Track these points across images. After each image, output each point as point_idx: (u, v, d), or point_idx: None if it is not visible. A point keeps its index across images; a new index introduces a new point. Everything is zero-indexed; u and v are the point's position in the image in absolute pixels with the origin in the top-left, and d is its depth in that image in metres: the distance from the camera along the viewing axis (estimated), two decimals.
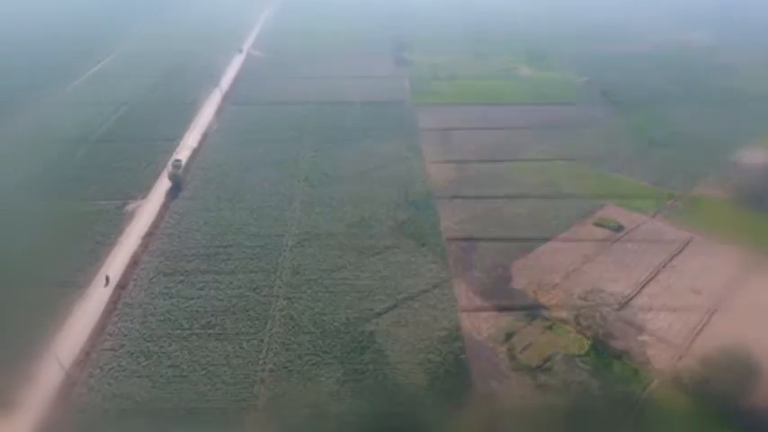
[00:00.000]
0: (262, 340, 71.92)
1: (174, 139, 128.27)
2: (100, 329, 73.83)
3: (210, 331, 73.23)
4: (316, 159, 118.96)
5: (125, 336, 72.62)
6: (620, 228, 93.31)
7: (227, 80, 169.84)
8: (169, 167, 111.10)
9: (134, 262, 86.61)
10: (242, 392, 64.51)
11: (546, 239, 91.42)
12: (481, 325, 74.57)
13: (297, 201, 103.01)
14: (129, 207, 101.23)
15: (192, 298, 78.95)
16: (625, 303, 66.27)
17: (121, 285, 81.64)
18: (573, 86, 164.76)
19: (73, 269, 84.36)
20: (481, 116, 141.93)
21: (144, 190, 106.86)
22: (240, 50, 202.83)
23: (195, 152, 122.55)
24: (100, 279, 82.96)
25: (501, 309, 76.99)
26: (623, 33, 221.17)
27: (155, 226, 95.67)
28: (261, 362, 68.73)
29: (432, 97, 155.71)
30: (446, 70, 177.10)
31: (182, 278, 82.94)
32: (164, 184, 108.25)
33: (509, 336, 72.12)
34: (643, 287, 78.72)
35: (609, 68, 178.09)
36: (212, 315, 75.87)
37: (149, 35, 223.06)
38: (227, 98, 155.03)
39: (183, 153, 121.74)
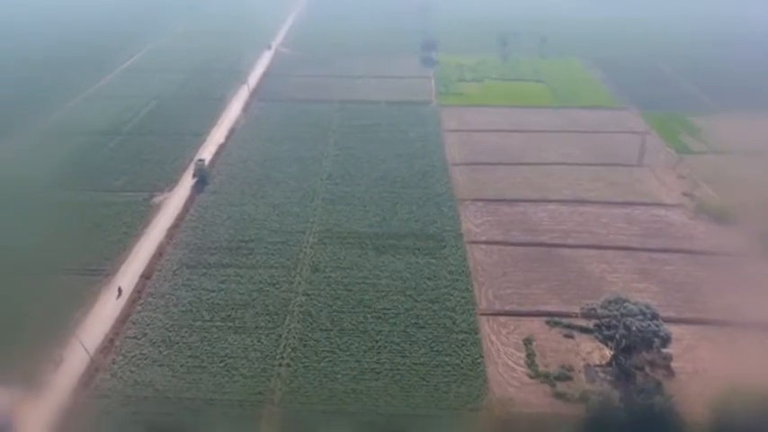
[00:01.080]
0: (280, 335, 72.62)
1: (202, 134, 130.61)
2: (124, 318, 75.69)
3: (230, 324, 74.32)
4: (339, 158, 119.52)
5: (148, 325, 74.29)
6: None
7: (254, 77, 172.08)
8: (195, 167, 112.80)
9: (159, 253, 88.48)
10: (259, 386, 65.25)
11: (569, 245, 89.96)
12: (500, 329, 73.84)
13: (319, 198, 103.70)
14: (156, 199, 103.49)
15: (214, 290, 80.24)
16: (651, 315, 64.56)
17: (146, 275, 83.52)
18: (600, 89, 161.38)
19: (101, 258, 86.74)
20: (507, 118, 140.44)
21: (171, 183, 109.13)
22: (269, 47, 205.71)
23: (221, 147, 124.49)
24: (126, 268, 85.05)
25: (521, 314, 76.08)
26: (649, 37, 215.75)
27: (180, 218, 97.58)
28: (278, 356, 69.39)
29: (457, 98, 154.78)
30: (473, 71, 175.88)
31: (204, 271, 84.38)
32: (190, 178, 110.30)
33: (528, 341, 71.19)
34: (668, 297, 77.12)
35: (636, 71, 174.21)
36: (232, 308, 76.98)
37: (181, 31, 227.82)
38: (254, 94, 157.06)
39: (209, 148, 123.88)
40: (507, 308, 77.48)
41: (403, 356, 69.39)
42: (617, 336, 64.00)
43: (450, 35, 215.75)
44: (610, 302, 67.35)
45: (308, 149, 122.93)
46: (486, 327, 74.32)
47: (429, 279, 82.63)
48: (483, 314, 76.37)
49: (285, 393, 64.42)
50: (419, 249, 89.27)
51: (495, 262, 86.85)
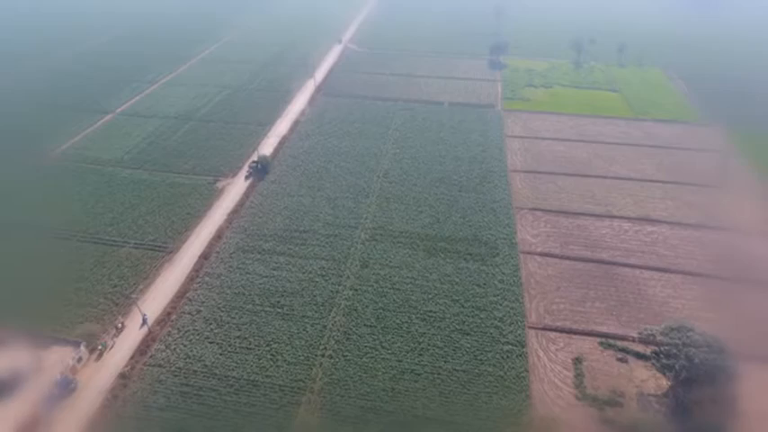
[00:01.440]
0: (325, 326, 73.67)
1: (267, 125, 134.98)
2: (182, 294, 79.64)
3: (279, 310, 76.28)
4: (397, 156, 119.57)
5: (202, 303, 77.73)
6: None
7: (321, 72, 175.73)
8: (257, 154, 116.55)
9: (218, 235, 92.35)
10: (301, 373, 66.55)
11: (631, 265, 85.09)
12: (549, 345, 71.04)
13: (374, 195, 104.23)
14: (220, 184, 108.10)
15: (266, 276, 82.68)
16: (717, 348, 59.56)
17: (204, 256, 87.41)
18: (682, 102, 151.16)
19: (166, 235, 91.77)
20: (575, 127, 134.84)
21: (234, 169, 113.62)
22: (339, 41, 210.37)
23: (284, 139, 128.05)
24: (187, 247, 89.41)
25: (573, 332, 72.82)
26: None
27: (240, 204, 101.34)
28: (322, 347, 70.45)
29: (523, 104, 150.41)
30: (542, 77, 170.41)
31: (258, 256, 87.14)
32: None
33: (578, 361, 68.00)
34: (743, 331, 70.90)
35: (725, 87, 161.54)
36: (282, 295, 78.97)
37: (255, 25, 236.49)
38: (319, 89, 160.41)
39: (272, 139, 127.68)
40: (558, 324, 74.40)
41: (445, 361, 68.37)
42: (677, 366, 59.87)
43: (522, 39, 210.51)
44: (672, 330, 63.19)
45: (367, 146, 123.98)
46: (534, 341, 71.78)
47: (478, 286, 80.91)
48: (532, 327, 73.80)
49: (325, 384, 65.29)
50: (470, 255, 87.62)
51: (550, 275, 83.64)
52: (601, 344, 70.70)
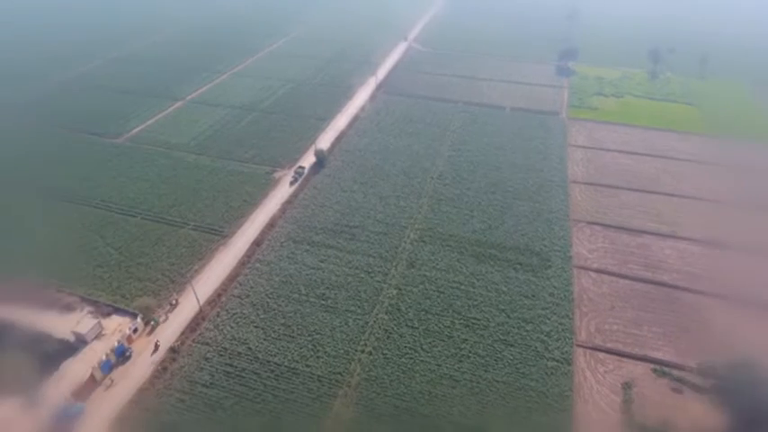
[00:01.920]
0: (366, 323, 73.94)
1: (326, 119, 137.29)
2: (233, 277, 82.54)
3: (323, 302, 77.36)
4: (453, 159, 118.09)
5: (251, 288, 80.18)
6: None
7: (383, 70, 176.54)
8: (315, 149, 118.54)
9: (271, 224, 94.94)
10: (340, 366, 67.16)
11: (695, 290, 79.55)
12: (598, 366, 67.72)
13: (426, 196, 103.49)
14: (277, 174, 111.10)
15: (313, 267, 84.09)
16: None
17: (257, 243, 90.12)
18: (765, 123, 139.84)
19: (222, 220, 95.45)
20: (644, 141, 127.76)
21: (292, 161, 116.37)
22: (405, 38, 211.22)
23: (342, 134, 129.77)
24: (241, 233, 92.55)
25: (624, 355, 69.03)
26: None
27: (294, 195, 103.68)
28: (362, 342, 70.77)
29: (590, 113, 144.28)
30: (613, 86, 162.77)
31: (308, 247, 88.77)
32: (309, 159, 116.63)
33: (628, 386, 64.36)
34: None
35: None
36: (327, 287, 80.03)
37: (322, 22, 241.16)
38: (380, 87, 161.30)
39: (330, 133, 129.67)
40: (609, 345, 70.77)
41: (485, 370, 66.78)
42: (738, 404, 55.24)
43: (594, 45, 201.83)
44: (737, 365, 58.37)
45: (423, 146, 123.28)
46: (582, 360, 68.67)
47: (526, 297, 78.43)
48: (580, 346, 70.66)
49: (363, 379, 65.53)
50: (521, 265, 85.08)
51: (604, 293, 79.72)
52: (654, 371, 66.60)
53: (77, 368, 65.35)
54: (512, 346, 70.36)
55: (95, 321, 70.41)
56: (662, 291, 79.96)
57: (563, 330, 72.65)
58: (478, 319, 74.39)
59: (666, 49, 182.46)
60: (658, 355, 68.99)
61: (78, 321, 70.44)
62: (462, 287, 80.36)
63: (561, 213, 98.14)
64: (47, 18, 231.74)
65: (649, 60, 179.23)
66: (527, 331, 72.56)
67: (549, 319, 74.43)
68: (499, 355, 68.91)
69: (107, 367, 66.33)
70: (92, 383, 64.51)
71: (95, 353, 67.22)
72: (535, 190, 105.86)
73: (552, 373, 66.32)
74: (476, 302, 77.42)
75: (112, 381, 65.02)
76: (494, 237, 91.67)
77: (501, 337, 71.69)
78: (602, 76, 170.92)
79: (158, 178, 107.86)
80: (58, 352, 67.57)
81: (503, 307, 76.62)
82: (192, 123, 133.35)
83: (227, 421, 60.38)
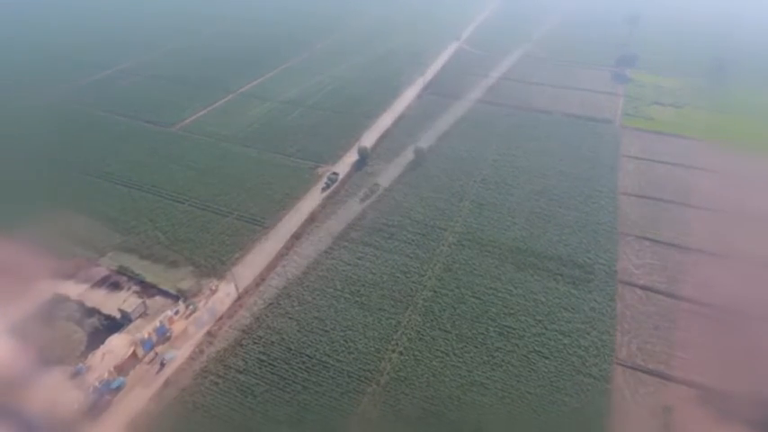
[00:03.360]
0: (399, 322, 73.62)
1: (372, 117, 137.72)
2: (271, 268, 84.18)
3: (357, 299, 77.63)
4: (498, 163, 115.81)
5: (288, 280, 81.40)
6: None
7: (432, 70, 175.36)
8: (358, 146, 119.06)
9: (311, 218, 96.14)
10: (370, 364, 67.20)
11: (751, 315, 74.55)
12: (638, 387, 64.66)
13: (468, 200, 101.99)
14: (320, 170, 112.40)
15: (350, 264, 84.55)
16: None
17: (296, 236, 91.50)
18: None
19: (265, 211, 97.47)
20: (703, 154, 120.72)
21: (335, 157, 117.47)
22: (457, 38, 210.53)
23: (386, 132, 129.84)
24: (283, 225, 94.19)
25: (667, 377, 65.60)
26: None
27: (335, 191, 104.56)
28: (394, 342, 70.52)
29: (646, 122, 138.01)
30: (672, 95, 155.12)
31: (346, 244, 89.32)
32: (352, 156, 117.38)
33: (668, 411, 61.11)
34: None
35: None
36: (363, 285, 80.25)
37: (375, 19, 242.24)
38: (428, 87, 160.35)
39: (375, 132, 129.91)
40: (651, 366, 67.46)
41: (518, 381, 65.10)
42: None
43: (654, 52, 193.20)
44: None
45: (467, 149, 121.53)
46: (621, 379, 65.76)
47: (566, 310, 75.87)
48: (620, 364, 67.71)
49: (392, 379, 65.30)
50: (562, 276, 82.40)
51: (649, 312, 76.04)
52: (699, 397, 62.93)
53: (121, 344, 68.37)
54: (547, 358, 68.28)
55: (140, 301, 73.54)
56: (712, 313, 75.44)
57: (603, 347, 69.83)
58: (514, 328, 72.62)
59: (731, 59, 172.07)
60: (704, 380, 65.19)
61: (124, 300, 73.82)
62: (499, 294, 78.68)
63: (608, 225, 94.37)
64: (117, 3, 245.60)
65: (712, 70, 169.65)
66: (564, 344, 70.20)
67: (588, 334, 71.72)
68: (533, 367, 67.02)
69: (149, 345, 69.21)
70: (133, 359, 67.43)
71: (139, 331, 70.13)
72: (582, 200, 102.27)
73: (589, 390, 63.88)
74: (512, 311, 75.61)
75: (157, 354, 67.70)
76: (535, 245, 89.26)
77: (536, 348, 69.70)
78: (661, 85, 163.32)
79: (206, 167, 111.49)
80: (104, 327, 71.07)
81: (540, 317, 74.47)
82: (241, 116, 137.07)
83: (257, 407, 61.61)
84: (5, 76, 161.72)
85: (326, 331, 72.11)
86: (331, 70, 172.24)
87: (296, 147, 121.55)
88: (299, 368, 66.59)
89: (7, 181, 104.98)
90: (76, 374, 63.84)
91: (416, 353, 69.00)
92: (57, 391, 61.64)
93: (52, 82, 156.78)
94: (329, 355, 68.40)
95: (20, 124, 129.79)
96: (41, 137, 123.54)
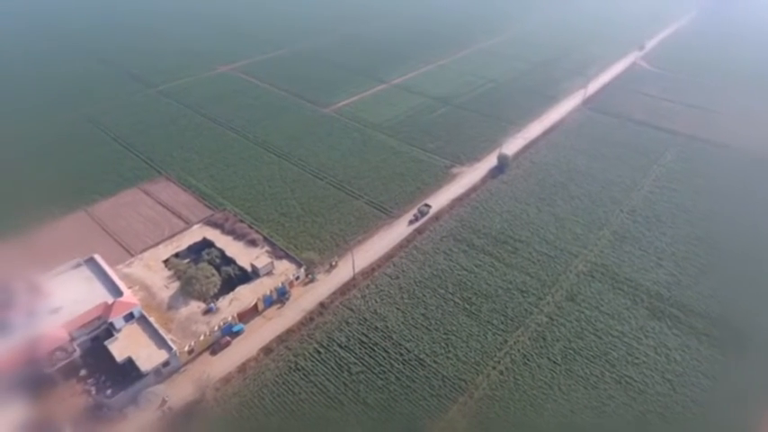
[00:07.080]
0: (506, 341, 70.05)
1: (519, 125, 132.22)
2: (389, 256, 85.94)
3: (467, 306, 75.60)
4: (653, 196, 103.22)
5: (403, 271, 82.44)
6: None
7: (596, 84, 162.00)
8: (499, 153, 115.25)
9: (436, 217, 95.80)
10: (467, 374, 65.12)
11: None
12: None
13: (609, 230, 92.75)
14: (455, 170, 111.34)
15: (466, 270, 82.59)
16: None
17: (419, 231, 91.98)
18: None
19: (394, 201, 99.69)
20: None
21: (472, 160, 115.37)
22: (640, 47, 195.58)
23: (531, 143, 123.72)
24: (408, 217, 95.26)
25: None
26: None
27: (466, 194, 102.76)
28: (496, 359, 67.37)
29: None
30: None
31: (466, 249, 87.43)
32: (490, 162, 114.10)
33: None
34: None
35: None
36: (475, 293, 77.91)
37: (543, 23, 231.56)
38: (588, 101, 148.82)
39: (519, 140, 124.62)
40: None
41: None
42: None
43: None
44: None
45: (620, 174, 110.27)
46: None
47: (705, 376, 65.17)
48: None
49: (486, 396, 62.52)
50: (707, 336, 70.93)
51: None
52: None
53: (247, 294, 75.54)
54: (669, 423, 59.44)
55: (269, 260, 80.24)
56: None
57: (744, 428, 58.64)
58: (635, 380, 64.48)
59: None
60: None
61: (257, 256, 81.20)
62: (625, 339, 70.41)
63: None
64: None
65: None
66: (694, 414, 60.44)
67: (727, 409, 60.76)
68: (651, 429, 58.89)
69: (269, 301, 75.61)
70: (254, 311, 74.24)
71: (263, 287, 76.79)
72: (756, 252, 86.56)
73: None
74: (637, 361, 67.15)
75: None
76: (681, 295, 78.01)
77: (658, 409, 61.05)
78: None
79: (349, 150, 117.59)
80: (236, 277, 79.13)
81: (669, 377, 65.03)
82: (390, 106, 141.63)
83: (350, 384, 63.61)
84: (208, 50, 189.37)
85: (429, 330, 71.54)
86: (485, 72, 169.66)
87: (435, 143, 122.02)
88: (397, 359, 67.12)
89: (185, 137, 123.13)
90: (207, 311, 72.17)
91: (518, 376, 65.07)
92: (190, 322, 70.42)
93: (233, 57, 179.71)
94: (428, 355, 67.81)
95: (201, 87, 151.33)
96: (211, 102, 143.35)
